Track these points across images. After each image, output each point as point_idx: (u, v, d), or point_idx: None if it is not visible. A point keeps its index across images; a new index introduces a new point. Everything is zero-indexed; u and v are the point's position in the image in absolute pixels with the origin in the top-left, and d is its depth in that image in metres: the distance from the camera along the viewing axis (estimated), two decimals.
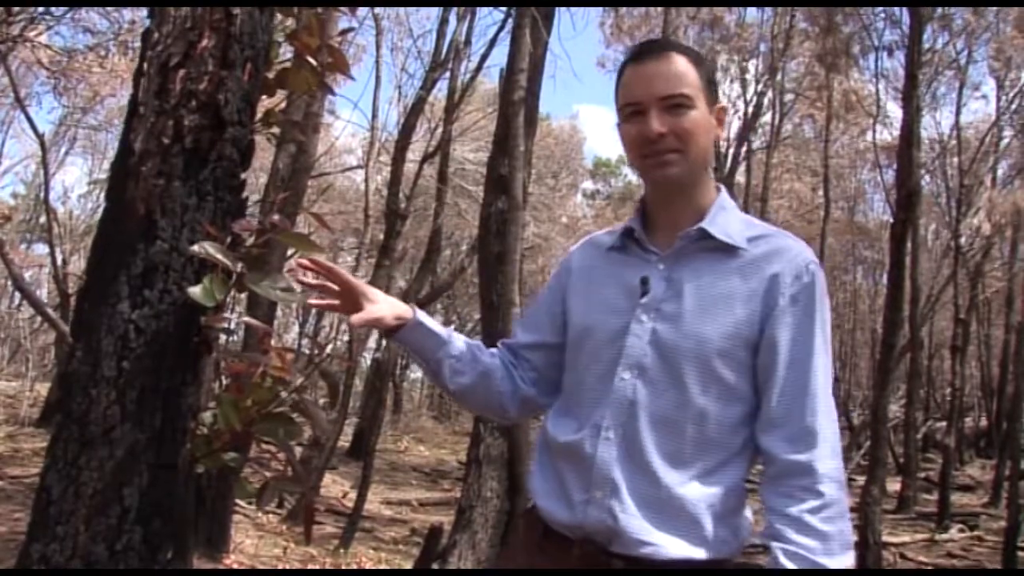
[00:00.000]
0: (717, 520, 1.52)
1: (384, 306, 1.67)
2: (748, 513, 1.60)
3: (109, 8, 9.00)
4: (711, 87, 1.64)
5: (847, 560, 1.45)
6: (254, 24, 1.57)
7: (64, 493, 1.46)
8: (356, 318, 1.63)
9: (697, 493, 1.51)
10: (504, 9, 8.69)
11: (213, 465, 1.64)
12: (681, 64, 1.61)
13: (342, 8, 1.93)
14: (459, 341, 1.75)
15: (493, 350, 1.80)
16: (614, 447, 1.54)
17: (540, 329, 1.77)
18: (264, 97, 1.78)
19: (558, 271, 1.81)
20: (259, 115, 1.67)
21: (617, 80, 1.68)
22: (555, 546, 1.59)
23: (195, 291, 1.48)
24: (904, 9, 11.91)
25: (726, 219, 1.62)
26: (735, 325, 1.53)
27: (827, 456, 1.48)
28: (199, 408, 1.62)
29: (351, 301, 1.64)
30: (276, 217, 1.57)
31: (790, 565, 1.43)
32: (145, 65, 1.52)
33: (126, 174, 1.51)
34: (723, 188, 1.69)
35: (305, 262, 1.61)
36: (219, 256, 1.47)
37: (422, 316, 1.71)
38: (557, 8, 6.55)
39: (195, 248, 1.46)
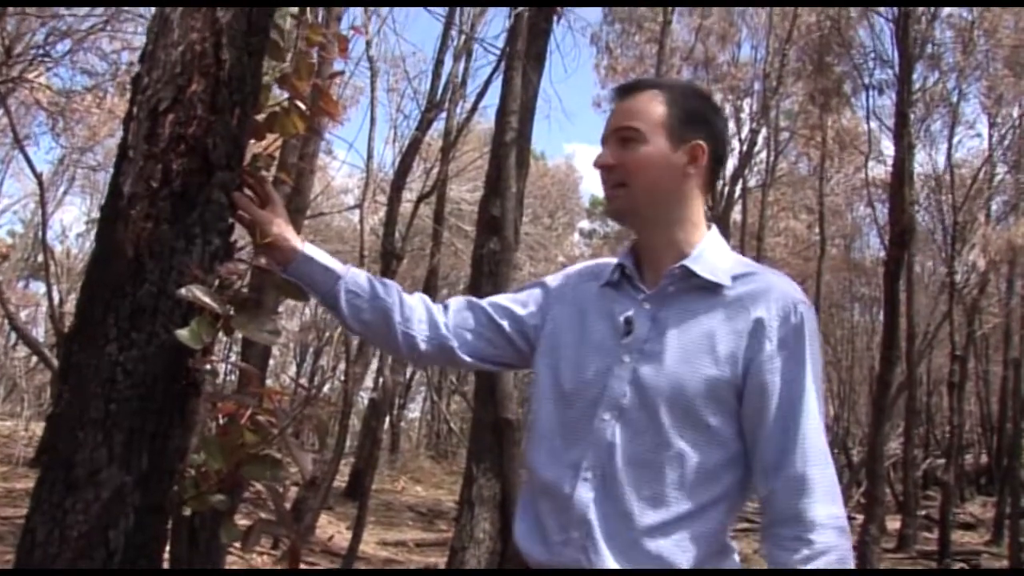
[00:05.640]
0: (695, 564, 1.49)
1: (284, 238, 1.70)
2: (735, 559, 1.57)
3: (107, 50, 9.10)
4: (686, 124, 1.61)
5: None
6: (243, 69, 1.59)
7: (49, 536, 1.46)
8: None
9: (674, 537, 1.48)
10: (497, 52, 8.78)
11: (201, 507, 1.64)
12: (644, 100, 1.62)
13: (336, 53, 1.95)
14: (360, 276, 1.75)
15: (418, 294, 1.81)
16: (592, 488, 1.52)
17: (511, 311, 1.78)
18: (255, 141, 1.80)
19: (545, 291, 1.79)
20: (248, 159, 1.69)
21: None
22: None
23: (182, 334, 1.49)
24: (894, 48, 12.05)
25: (712, 257, 1.60)
26: (716, 367, 1.50)
27: (820, 502, 1.44)
28: (187, 450, 1.62)
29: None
30: (263, 260, 1.58)
31: None
32: (135, 109, 1.54)
33: (115, 217, 1.52)
34: (714, 226, 1.67)
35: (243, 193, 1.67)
36: (206, 299, 1.48)
37: (311, 250, 1.72)
38: (548, 51, 6.65)
39: (182, 291, 1.47)
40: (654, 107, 1.61)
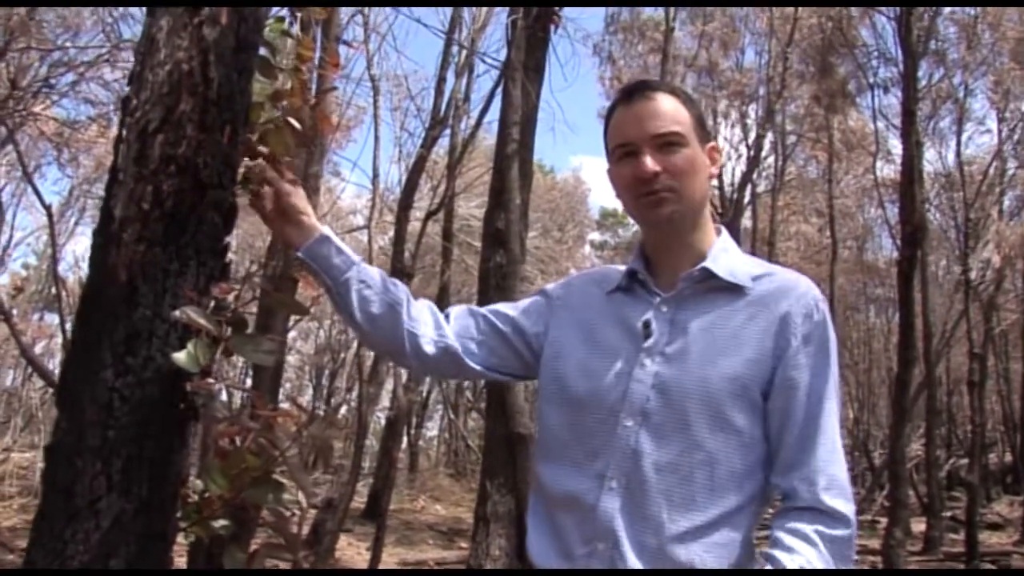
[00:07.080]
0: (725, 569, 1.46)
1: (308, 213, 1.70)
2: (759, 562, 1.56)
3: (110, 79, 9.16)
4: (702, 126, 1.64)
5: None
6: (232, 87, 1.57)
7: (50, 567, 1.43)
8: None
9: (706, 542, 1.46)
10: (499, 65, 8.79)
11: (203, 534, 1.61)
12: (671, 103, 1.60)
13: (334, 70, 1.93)
14: (372, 269, 1.71)
15: (424, 300, 1.79)
16: (618, 497, 1.48)
17: (513, 319, 1.75)
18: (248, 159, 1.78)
19: (547, 299, 1.76)
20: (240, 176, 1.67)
21: (606, 123, 1.67)
22: None
23: (179, 357, 1.47)
24: (897, 46, 12.02)
25: (728, 259, 1.60)
26: (744, 366, 1.50)
27: (843, 499, 1.47)
28: (187, 476, 1.59)
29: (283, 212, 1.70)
30: (256, 280, 1.56)
31: (779, 554, 1.43)
32: (124, 132, 1.52)
33: (107, 241, 1.50)
34: (724, 229, 1.67)
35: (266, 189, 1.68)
36: (201, 321, 1.45)
37: (329, 231, 1.69)
38: (547, 61, 6.64)
39: (176, 313, 1.45)
40: (680, 110, 1.61)
